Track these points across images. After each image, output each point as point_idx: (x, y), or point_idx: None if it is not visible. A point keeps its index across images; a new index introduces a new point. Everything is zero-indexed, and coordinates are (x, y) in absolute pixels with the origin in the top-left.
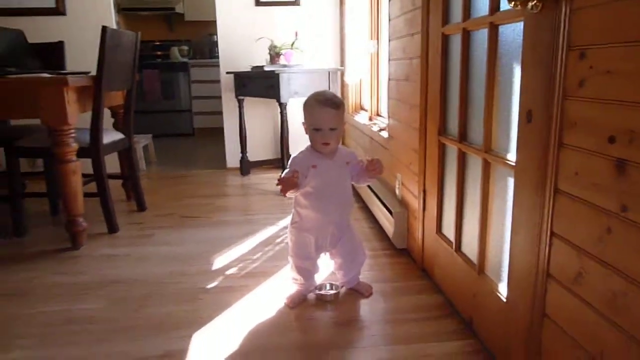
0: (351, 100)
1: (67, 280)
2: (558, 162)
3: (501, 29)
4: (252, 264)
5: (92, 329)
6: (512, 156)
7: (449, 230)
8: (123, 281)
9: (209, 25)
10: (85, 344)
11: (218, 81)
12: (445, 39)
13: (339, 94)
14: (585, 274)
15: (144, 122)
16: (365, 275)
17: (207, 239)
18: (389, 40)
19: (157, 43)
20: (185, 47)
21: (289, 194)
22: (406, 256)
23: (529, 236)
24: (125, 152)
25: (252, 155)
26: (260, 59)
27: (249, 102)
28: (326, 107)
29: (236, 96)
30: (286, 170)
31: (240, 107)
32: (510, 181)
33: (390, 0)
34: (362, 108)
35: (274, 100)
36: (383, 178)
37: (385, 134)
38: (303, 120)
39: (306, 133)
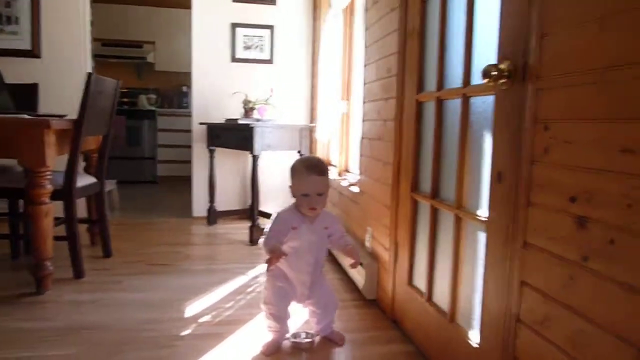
0: (320, 156)
1: (33, 326)
2: (527, 218)
3: (472, 99)
4: (225, 312)
5: None
6: (482, 212)
7: (420, 281)
8: (94, 327)
9: (179, 76)
10: None
11: (184, 130)
12: (419, 105)
13: (309, 149)
14: (552, 317)
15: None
16: (336, 325)
17: (177, 287)
18: (363, 102)
19: (125, 90)
20: (154, 96)
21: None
22: (375, 307)
23: (500, 285)
24: (96, 197)
25: (220, 205)
26: (234, 111)
27: (219, 153)
28: (313, 175)
29: (208, 146)
30: (268, 227)
31: (212, 157)
32: (481, 235)
33: (366, 66)
34: (329, 164)
35: (244, 152)
36: (352, 230)
37: (355, 188)
38: (290, 184)
39: (293, 196)
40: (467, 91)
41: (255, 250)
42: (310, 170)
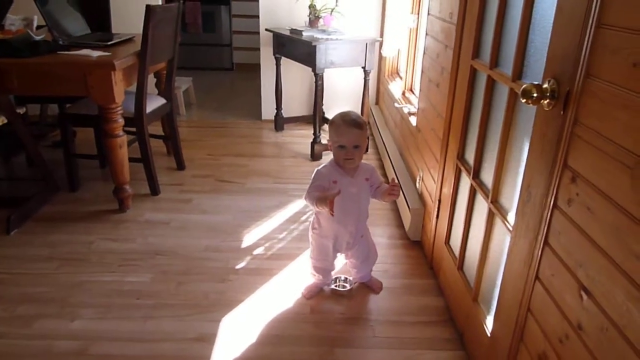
0: (387, 66)
1: (117, 247)
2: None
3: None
4: (277, 243)
5: (140, 304)
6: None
7: (455, 245)
8: (166, 253)
9: None
10: (136, 319)
11: (258, 16)
12: (474, 71)
13: (376, 64)
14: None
15: (185, 55)
16: (378, 265)
17: (240, 209)
18: (426, 34)
19: None
20: None
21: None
22: (418, 249)
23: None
24: (167, 116)
25: (287, 111)
26: (300, 19)
27: (286, 59)
28: (351, 127)
29: (274, 54)
30: (310, 184)
31: (278, 65)
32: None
33: None
34: (397, 74)
35: None
36: (408, 165)
37: (414, 121)
38: (328, 139)
39: (330, 149)
40: (515, 87)
41: (316, 167)
42: (348, 123)
